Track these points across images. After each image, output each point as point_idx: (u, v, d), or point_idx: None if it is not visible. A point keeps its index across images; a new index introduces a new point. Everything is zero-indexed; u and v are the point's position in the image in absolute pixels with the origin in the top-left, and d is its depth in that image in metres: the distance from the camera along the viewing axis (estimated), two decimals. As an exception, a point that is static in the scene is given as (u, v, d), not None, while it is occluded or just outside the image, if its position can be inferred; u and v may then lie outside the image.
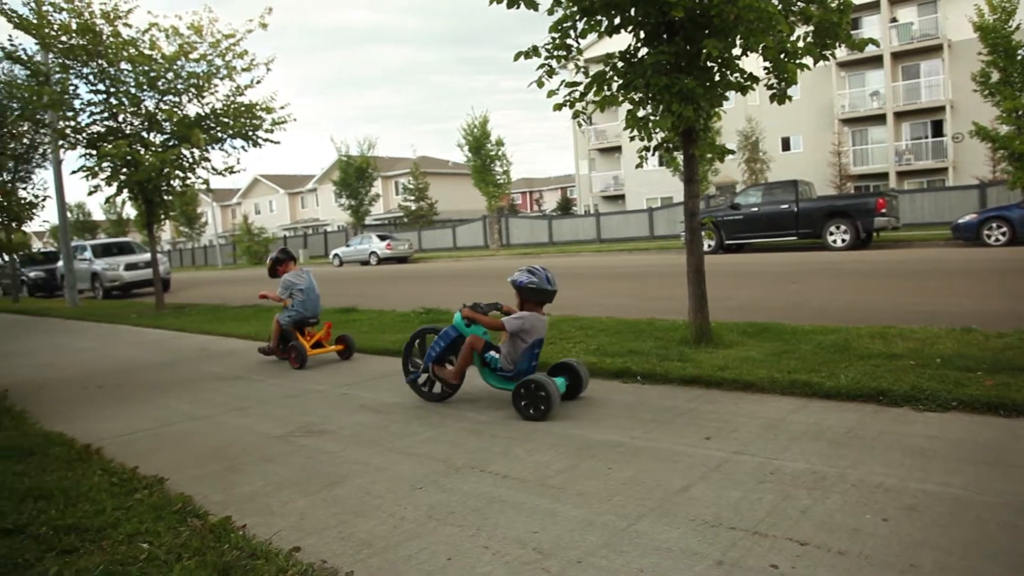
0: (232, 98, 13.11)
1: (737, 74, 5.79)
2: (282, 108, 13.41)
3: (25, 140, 18.62)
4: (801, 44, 5.69)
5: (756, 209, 19.61)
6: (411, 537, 2.68)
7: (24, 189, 20.08)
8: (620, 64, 5.78)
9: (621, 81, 5.76)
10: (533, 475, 3.28)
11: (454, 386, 4.83)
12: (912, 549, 2.32)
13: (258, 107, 13.19)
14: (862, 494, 2.79)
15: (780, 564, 2.28)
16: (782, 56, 5.61)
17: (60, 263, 20.82)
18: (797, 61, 5.67)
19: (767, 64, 5.74)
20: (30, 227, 23.03)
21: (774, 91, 5.94)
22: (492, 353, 4.63)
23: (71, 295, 17.93)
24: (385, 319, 9.15)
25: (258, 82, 13.29)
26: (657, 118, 5.68)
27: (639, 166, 6.56)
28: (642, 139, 5.87)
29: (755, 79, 5.83)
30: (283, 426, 4.52)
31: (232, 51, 12.78)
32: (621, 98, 5.81)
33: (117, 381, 6.61)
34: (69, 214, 21.55)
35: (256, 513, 3.03)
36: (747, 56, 5.67)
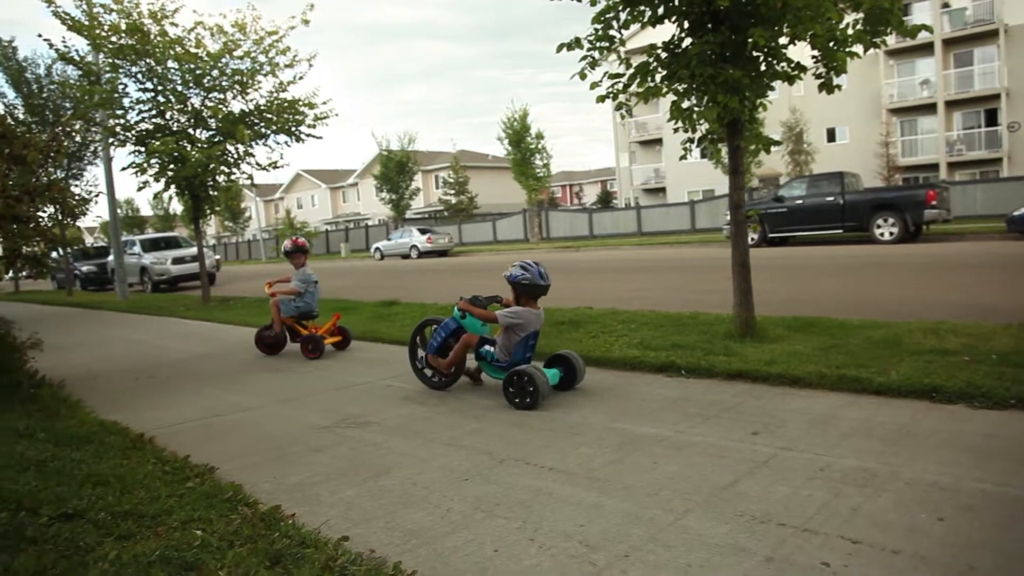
0: (275, 94, 13.30)
1: (784, 63, 5.66)
2: (324, 104, 13.59)
3: (77, 138, 19.16)
4: (851, 31, 5.55)
5: (801, 202, 19.20)
6: (458, 528, 2.70)
7: (77, 186, 20.72)
8: (664, 55, 5.71)
9: (665, 72, 5.68)
10: (578, 468, 3.27)
11: (450, 375, 5.10)
12: (970, 550, 2.26)
13: (300, 103, 13.37)
14: (916, 493, 2.72)
15: (832, 562, 2.24)
16: (831, 44, 5.49)
17: (111, 257, 21.40)
18: (847, 49, 5.54)
19: (815, 53, 5.62)
20: (82, 222, 23.71)
21: (822, 80, 5.82)
22: (487, 347, 4.84)
23: (121, 288, 18.44)
24: (427, 312, 9.19)
25: (300, 78, 13.45)
26: (702, 109, 5.61)
27: (683, 158, 6.48)
28: (686, 131, 5.83)
29: (803, 68, 5.71)
30: (329, 417, 4.59)
31: (275, 48, 12.95)
32: (665, 89, 5.75)
33: (167, 372, 6.79)
34: (119, 210, 22.09)
35: (304, 502, 3.08)
36: (794, 45, 5.56)
